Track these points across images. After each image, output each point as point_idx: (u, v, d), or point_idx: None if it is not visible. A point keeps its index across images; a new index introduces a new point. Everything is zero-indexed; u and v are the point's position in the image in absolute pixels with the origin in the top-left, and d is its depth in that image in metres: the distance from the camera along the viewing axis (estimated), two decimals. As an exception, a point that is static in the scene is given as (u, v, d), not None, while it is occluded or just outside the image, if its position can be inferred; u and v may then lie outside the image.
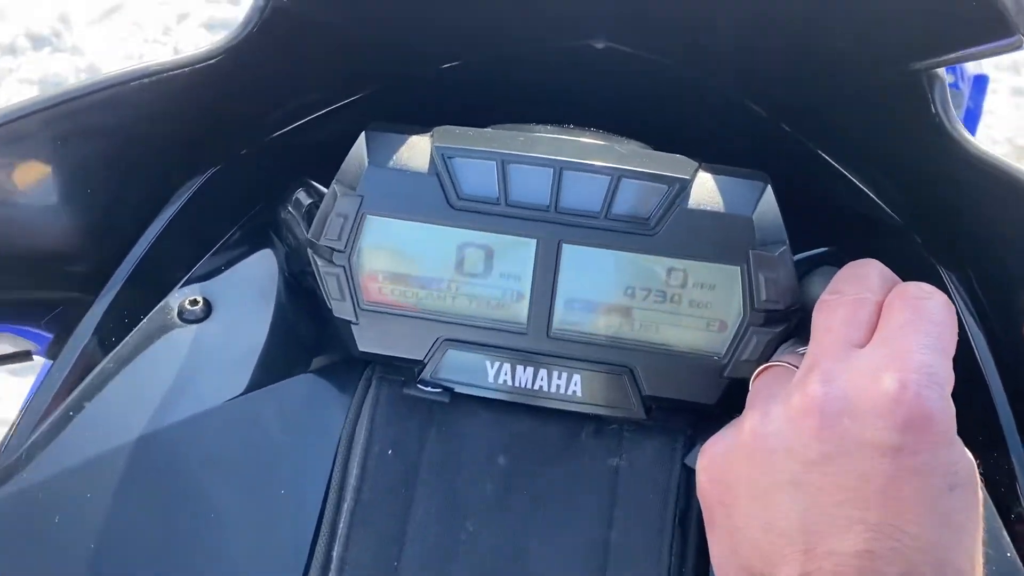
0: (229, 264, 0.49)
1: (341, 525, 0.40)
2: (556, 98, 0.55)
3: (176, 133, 0.48)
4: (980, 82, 0.96)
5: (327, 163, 0.43)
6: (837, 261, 0.46)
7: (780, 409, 0.35)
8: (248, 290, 0.48)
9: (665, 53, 0.53)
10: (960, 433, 0.32)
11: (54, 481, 0.39)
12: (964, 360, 0.39)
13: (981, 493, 0.32)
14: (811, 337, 0.37)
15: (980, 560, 0.32)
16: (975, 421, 0.41)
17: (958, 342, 0.34)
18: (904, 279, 0.37)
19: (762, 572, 0.33)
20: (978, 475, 0.32)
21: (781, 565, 0.32)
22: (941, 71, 0.44)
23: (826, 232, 0.47)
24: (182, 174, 0.50)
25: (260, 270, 0.49)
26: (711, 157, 0.42)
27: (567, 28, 0.53)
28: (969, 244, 0.46)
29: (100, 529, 0.39)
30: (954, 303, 0.40)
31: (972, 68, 0.96)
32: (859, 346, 0.35)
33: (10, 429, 0.42)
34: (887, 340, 0.34)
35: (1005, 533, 0.39)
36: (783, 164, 0.41)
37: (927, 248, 0.48)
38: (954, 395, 0.32)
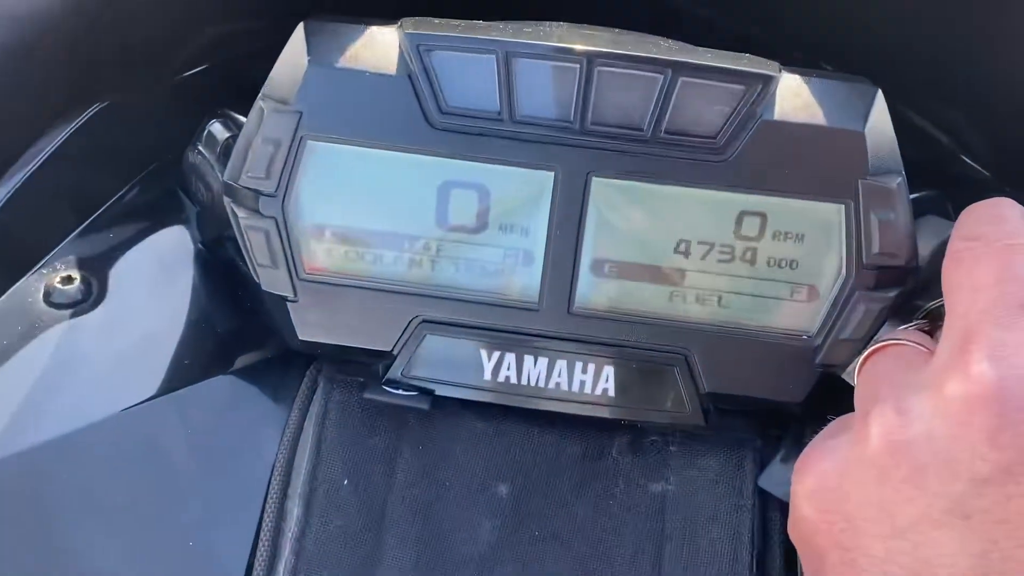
0: (119, 232, 0.36)
1: None
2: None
3: (45, 53, 0.35)
4: None
5: None
6: (942, 211, 0.35)
7: (928, 403, 0.23)
8: (144, 265, 0.35)
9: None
10: None
11: None
12: None
13: None
14: (949, 302, 0.26)
15: None
16: None
17: None
18: None
19: None
20: None
21: None
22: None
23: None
24: (54, 109, 0.37)
25: (161, 239, 0.36)
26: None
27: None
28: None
29: None
30: None
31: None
32: None
33: None
34: None
35: None
36: None
37: None
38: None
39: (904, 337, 0.28)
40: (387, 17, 0.30)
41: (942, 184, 0.43)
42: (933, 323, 0.29)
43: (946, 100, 0.42)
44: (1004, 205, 0.28)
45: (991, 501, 0.21)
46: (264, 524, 0.29)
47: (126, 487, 0.30)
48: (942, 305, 0.25)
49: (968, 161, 0.42)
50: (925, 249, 0.31)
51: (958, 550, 0.22)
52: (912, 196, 0.34)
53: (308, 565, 0.29)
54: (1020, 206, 0.28)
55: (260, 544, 0.29)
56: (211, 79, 0.42)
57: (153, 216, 0.37)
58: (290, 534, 0.29)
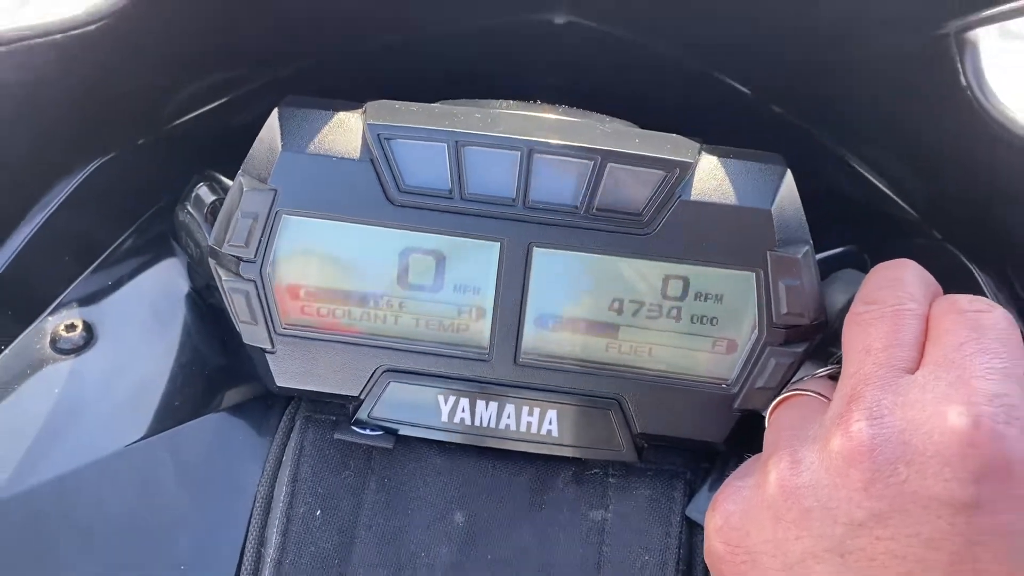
0: (118, 279, 0.40)
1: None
2: (515, 78, 0.46)
3: (46, 116, 0.39)
4: None
5: (241, 157, 0.34)
6: (859, 264, 0.38)
7: (816, 454, 0.27)
8: (140, 311, 0.39)
9: (632, 28, 0.45)
10: None
11: None
12: None
13: None
14: (844, 360, 0.29)
15: None
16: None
17: None
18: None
19: None
20: None
21: None
22: (974, 33, 0.37)
23: (829, 233, 0.40)
24: (58, 167, 0.40)
25: (156, 286, 0.40)
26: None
27: (525, 1, 0.45)
28: (1006, 240, 0.40)
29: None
30: None
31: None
32: (909, 371, 0.28)
33: None
34: (947, 363, 0.27)
35: None
36: (772, 150, 0.33)
37: (955, 245, 0.41)
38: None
39: (809, 388, 0.32)
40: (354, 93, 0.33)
41: (872, 222, 0.46)
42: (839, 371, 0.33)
43: (885, 149, 0.45)
44: (904, 268, 0.32)
45: (864, 542, 0.25)
46: (247, 551, 0.33)
47: (123, 520, 0.33)
48: None
49: (900, 202, 0.45)
50: (840, 300, 0.35)
51: None
52: (834, 251, 0.38)
53: None
54: (920, 268, 0.32)
55: (243, 565, 0.33)
56: (199, 125, 0.45)
57: (148, 262, 0.41)
58: (270, 560, 0.33)
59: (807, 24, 0.40)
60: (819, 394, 0.31)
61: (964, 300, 0.29)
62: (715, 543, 0.29)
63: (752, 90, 0.48)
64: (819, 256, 0.36)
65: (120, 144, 0.43)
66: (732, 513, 0.29)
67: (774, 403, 0.32)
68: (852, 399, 0.27)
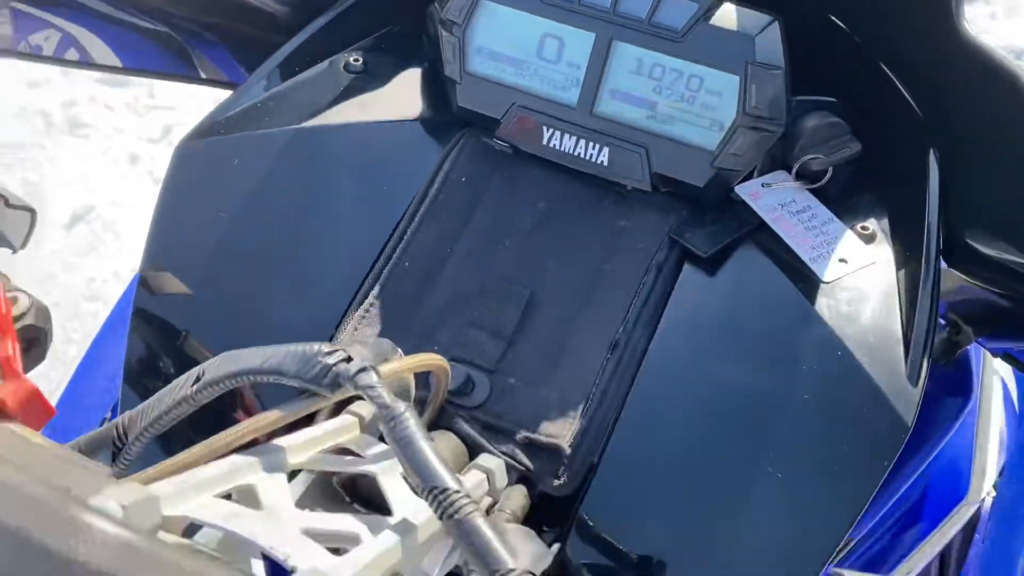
0: (389, 41, 0.66)
1: (419, 215, 0.57)
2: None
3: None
4: None
5: None
6: (837, 111, 0.57)
7: None
8: (399, 60, 0.65)
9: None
10: None
11: (239, 140, 0.58)
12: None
13: None
14: None
15: None
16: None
17: None
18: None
19: None
20: None
21: None
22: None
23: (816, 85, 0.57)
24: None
25: (410, 49, 0.66)
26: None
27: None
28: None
29: (260, 178, 0.57)
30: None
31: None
32: None
33: (218, 106, 0.62)
34: None
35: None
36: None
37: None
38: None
39: None
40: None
41: (882, 116, 0.62)
42: None
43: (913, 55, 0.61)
44: None
45: None
46: (424, 188, 0.58)
47: (363, 158, 0.59)
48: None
49: (911, 103, 0.62)
50: (812, 120, 0.54)
51: None
52: (819, 98, 0.56)
53: (437, 208, 0.56)
54: None
55: (418, 194, 0.58)
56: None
57: (409, 40, 0.67)
58: (432, 192, 0.57)
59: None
60: None
61: None
62: None
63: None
64: (807, 97, 0.55)
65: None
66: None
67: None
68: None
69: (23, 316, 0.37)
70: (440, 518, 0.30)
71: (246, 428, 0.33)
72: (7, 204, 0.44)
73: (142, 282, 0.57)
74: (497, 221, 0.57)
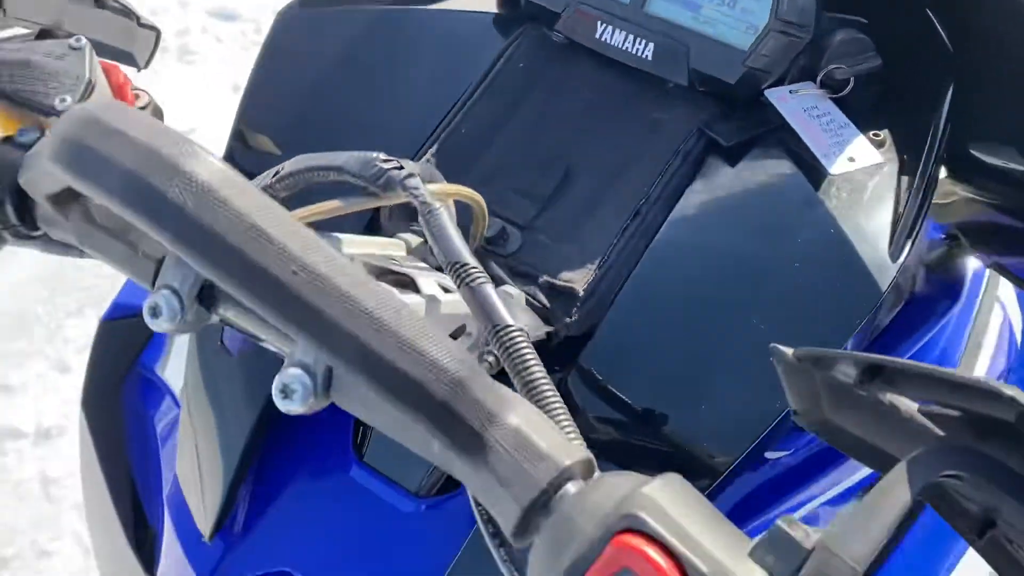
0: None
1: (479, 91, 0.64)
2: None
3: None
4: None
5: None
6: (866, 31, 0.61)
7: None
8: None
9: None
10: None
11: (335, 15, 0.66)
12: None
13: None
14: None
15: None
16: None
17: None
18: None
19: None
20: None
21: None
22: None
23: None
24: None
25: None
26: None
27: None
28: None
29: (349, 53, 0.65)
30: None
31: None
32: None
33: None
34: None
35: None
36: None
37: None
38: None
39: None
40: None
41: (909, 42, 0.66)
42: None
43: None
44: None
45: None
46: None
47: (436, 45, 0.67)
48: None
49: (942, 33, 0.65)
50: (840, 34, 0.59)
51: None
52: (850, 17, 0.61)
53: (496, 87, 0.64)
54: None
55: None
56: None
57: None
58: (495, 71, 0.65)
59: None
60: None
61: None
62: None
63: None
64: (835, 14, 0.60)
65: None
66: None
67: None
68: None
69: (143, 109, 0.46)
70: (458, 287, 0.38)
71: (313, 209, 0.42)
72: (139, 23, 0.52)
73: (235, 134, 0.66)
74: (547, 104, 0.64)
